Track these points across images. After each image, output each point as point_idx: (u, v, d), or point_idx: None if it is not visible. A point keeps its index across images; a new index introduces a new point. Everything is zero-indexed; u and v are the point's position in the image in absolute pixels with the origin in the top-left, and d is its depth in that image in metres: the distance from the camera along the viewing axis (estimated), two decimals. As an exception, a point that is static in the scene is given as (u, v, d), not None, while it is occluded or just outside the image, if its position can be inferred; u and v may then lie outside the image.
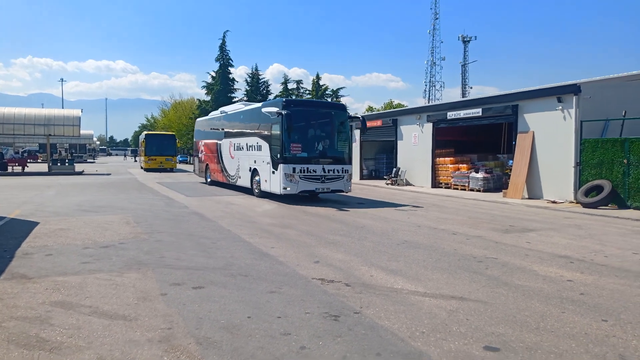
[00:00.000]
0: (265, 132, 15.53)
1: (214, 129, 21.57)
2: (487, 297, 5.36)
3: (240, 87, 59.45)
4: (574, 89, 15.47)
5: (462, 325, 4.46)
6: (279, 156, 14.45)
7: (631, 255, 7.70)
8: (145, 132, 41.67)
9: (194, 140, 25.61)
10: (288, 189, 14.24)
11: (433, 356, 3.80)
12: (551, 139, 16.35)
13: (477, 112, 19.65)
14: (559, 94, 16.02)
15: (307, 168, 14.48)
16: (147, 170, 36.38)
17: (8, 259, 6.79)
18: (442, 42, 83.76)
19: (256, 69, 60.95)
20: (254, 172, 16.61)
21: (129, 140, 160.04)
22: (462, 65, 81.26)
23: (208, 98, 58.06)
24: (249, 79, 60.33)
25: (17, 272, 6.09)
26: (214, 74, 58.08)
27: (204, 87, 59.13)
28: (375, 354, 3.82)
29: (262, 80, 60.95)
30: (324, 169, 14.70)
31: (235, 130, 18.81)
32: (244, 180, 17.64)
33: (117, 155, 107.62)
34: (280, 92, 63.57)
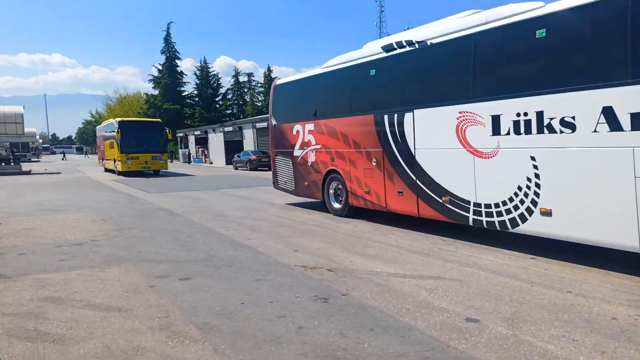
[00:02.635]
0: None
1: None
2: (460, 276, 5.77)
3: (189, 81, 58.58)
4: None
5: (442, 301, 4.82)
6: None
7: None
8: (117, 120, 27.90)
9: (274, 124, 12.24)
10: None
11: (421, 328, 4.12)
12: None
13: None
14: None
15: None
16: (122, 173, 25.89)
17: (-23, 260, 6.57)
18: (388, 34, 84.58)
19: (205, 62, 60.13)
20: None
21: (72, 138, 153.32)
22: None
23: (156, 92, 56.72)
24: (198, 72, 59.35)
25: (-8, 272, 5.94)
26: (160, 67, 56.75)
27: (150, 80, 57.84)
28: (369, 330, 4.10)
29: (211, 73, 60.11)
30: None
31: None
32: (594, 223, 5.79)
33: (61, 153, 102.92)
34: (231, 85, 62.89)
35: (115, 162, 27.08)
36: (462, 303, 4.76)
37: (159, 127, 27.69)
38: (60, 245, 7.55)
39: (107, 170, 30.52)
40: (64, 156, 68.45)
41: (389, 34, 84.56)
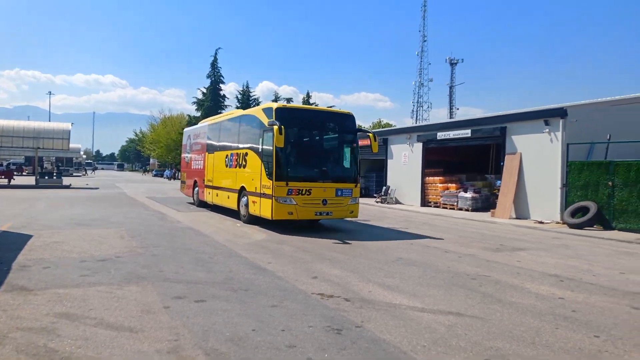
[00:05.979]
0: None
1: None
2: (482, 313, 5.51)
3: (231, 104, 59.94)
4: (561, 113, 15.97)
5: (461, 340, 4.59)
6: None
7: (618, 275, 7.93)
8: (274, 105, 12.09)
9: None
10: None
11: (435, 368, 3.92)
12: (538, 161, 16.77)
13: (466, 133, 20.07)
14: (546, 117, 16.50)
15: None
16: (257, 223, 12.91)
17: (5, 271, 6.76)
18: (429, 64, 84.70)
19: (247, 87, 61.60)
20: None
21: (115, 155, 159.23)
22: (449, 87, 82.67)
23: (198, 114, 58.30)
24: (239, 96, 60.84)
25: (16, 284, 6.09)
26: (204, 90, 58.53)
27: (194, 103, 59.48)
28: (380, 366, 3.93)
29: (252, 97, 61.47)
30: None
31: None
32: None
33: (103, 169, 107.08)
34: (270, 109, 63.74)
35: (249, 198, 12.99)
36: (481, 343, 4.52)
37: (351, 125, 12.93)
38: (84, 260, 7.70)
39: (202, 204, 17.88)
40: (86, 171, 71.50)
41: (430, 64, 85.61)
